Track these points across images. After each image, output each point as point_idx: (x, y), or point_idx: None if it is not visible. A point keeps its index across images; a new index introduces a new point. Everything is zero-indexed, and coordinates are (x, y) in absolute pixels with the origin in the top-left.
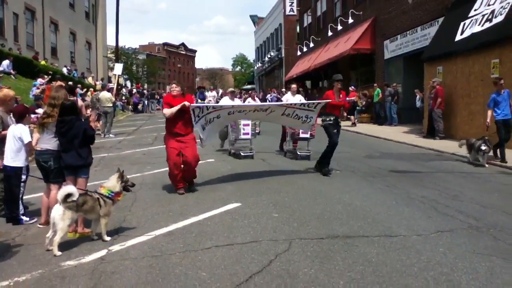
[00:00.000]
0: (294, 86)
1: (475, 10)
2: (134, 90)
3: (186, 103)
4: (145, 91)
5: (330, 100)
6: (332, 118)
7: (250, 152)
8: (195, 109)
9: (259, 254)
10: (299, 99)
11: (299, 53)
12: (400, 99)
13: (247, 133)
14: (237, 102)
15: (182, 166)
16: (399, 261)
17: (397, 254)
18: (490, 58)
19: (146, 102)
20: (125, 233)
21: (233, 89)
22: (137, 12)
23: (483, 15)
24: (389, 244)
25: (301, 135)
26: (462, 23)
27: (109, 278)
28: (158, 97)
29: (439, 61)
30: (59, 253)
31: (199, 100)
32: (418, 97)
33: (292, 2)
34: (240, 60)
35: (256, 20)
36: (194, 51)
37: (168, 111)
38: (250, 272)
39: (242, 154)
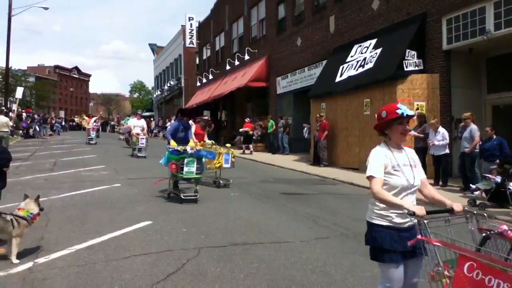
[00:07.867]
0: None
1: (351, 56)
2: (25, 115)
3: None
4: (35, 116)
5: None
6: None
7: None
8: None
9: (173, 260)
10: None
11: (198, 83)
12: (290, 131)
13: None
14: None
15: None
16: (286, 259)
17: (284, 254)
18: (363, 97)
19: (37, 127)
20: (47, 248)
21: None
22: (28, 32)
23: (358, 61)
24: (278, 247)
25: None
26: (341, 67)
27: (42, 284)
28: (53, 122)
29: (322, 98)
30: None
31: None
32: (305, 129)
33: (192, 36)
34: (138, 86)
35: (155, 48)
36: (88, 75)
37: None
38: (167, 273)
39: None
